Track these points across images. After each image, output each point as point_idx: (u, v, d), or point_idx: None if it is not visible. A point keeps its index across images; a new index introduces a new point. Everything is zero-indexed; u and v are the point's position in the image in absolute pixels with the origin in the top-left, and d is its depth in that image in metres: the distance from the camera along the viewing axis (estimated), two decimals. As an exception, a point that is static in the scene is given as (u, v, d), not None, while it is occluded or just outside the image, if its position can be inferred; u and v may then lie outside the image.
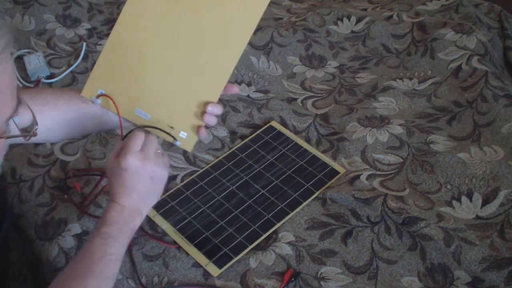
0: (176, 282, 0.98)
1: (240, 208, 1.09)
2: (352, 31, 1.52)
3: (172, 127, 0.93)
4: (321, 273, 0.99)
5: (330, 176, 1.14)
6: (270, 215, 1.07)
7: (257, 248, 1.03)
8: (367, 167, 1.15)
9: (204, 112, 0.91)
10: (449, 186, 1.10)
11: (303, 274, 0.99)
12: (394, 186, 1.11)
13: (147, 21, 0.91)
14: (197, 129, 0.92)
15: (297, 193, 1.11)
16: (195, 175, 1.15)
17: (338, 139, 1.22)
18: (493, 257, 0.97)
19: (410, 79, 1.37)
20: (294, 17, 1.58)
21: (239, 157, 1.18)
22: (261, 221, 1.06)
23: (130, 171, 0.85)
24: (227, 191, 1.12)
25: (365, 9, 1.59)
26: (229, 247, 1.02)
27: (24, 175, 1.15)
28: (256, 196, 1.11)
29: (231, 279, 0.98)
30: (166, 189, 1.12)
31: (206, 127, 0.94)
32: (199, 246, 1.03)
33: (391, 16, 1.52)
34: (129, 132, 0.92)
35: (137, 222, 0.87)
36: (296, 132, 1.25)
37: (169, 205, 1.09)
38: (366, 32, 1.50)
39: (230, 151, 1.20)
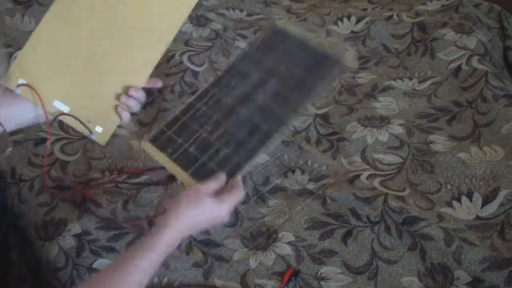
0: (176, 282, 0.98)
1: (238, 127, 0.94)
2: (352, 31, 1.52)
3: (89, 121, 0.95)
4: (321, 273, 0.99)
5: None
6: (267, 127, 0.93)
7: (257, 248, 1.03)
8: (367, 167, 1.15)
9: (127, 95, 0.93)
10: (449, 186, 1.10)
11: (303, 274, 0.99)
12: (394, 186, 1.11)
13: (73, 15, 0.92)
14: (113, 125, 0.95)
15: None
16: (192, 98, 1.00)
17: (338, 139, 1.22)
18: (493, 257, 0.97)
19: (410, 79, 1.37)
20: (294, 17, 1.58)
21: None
22: (259, 135, 0.93)
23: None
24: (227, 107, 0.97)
25: (365, 9, 1.59)
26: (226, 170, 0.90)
27: (24, 175, 1.15)
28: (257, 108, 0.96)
29: (231, 279, 0.98)
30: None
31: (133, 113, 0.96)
32: (194, 174, 0.91)
33: (391, 16, 1.52)
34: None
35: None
36: (296, 132, 1.25)
37: (166, 134, 0.96)
38: (366, 32, 1.50)
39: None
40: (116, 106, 0.94)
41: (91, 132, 0.95)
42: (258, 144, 0.94)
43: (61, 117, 0.95)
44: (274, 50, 1.02)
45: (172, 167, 0.95)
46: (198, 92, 1.03)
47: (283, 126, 0.93)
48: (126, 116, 0.95)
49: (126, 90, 0.94)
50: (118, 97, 0.94)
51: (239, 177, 0.88)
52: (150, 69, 0.94)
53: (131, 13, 0.92)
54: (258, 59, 1.02)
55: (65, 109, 0.94)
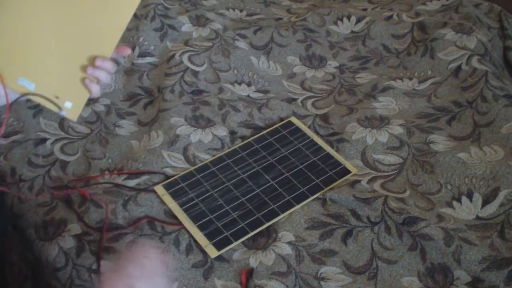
0: (176, 283, 0.98)
1: (248, 196, 1.11)
2: (352, 31, 1.52)
3: (57, 97, 0.91)
4: (321, 273, 0.99)
5: (341, 175, 1.15)
6: (276, 205, 1.09)
7: (257, 248, 1.03)
8: (368, 170, 1.15)
9: (93, 67, 0.89)
10: (449, 187, 1.10)
11: (303, 274, 0.99)
12: (394, 187, 1.11)
13: None
14: (83, 99, 0.91)
15: (306, 187, 1.12)
16: (208, 160, 1.17)
17: (338, 140, 1.22)
18: (493, 257, 0.97)
19: (410, 79, 1.37)
20: (294, 17, 1.58)
21: (254, 147, 1.20)
22: (266, 210, 1.08)
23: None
24: (238, 178, 1.14)
25: (365, 9, 1.59)
26: (230, 232, 1.04)
27: (24, 175, 1.15)
28: (265, 186, 1.13)
29: (231, 279, 0.98)
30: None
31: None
32: (201, 227, 1.05)
33: (391, 16, 1.52)
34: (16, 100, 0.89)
35: None
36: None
37: (179, 185, 1.12)
38: (366, 32, 1.50)
39: (246, 141, 1.21)
40: (84, 79, 0.90)
41: (60, 108, 0.91)
42: (262, 219, 1.08)
43: (29, 96, 0.90)
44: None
45: (182, 217, 1.07)
46: (216, 157, 1.18)
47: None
48: (95, 88, 0.90)
49: (93, 62, 0.89)
50: (85, 69, 0.89)
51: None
52: (117, 37, 0.89)
53: None
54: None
55: (31, 86, 0.90)
